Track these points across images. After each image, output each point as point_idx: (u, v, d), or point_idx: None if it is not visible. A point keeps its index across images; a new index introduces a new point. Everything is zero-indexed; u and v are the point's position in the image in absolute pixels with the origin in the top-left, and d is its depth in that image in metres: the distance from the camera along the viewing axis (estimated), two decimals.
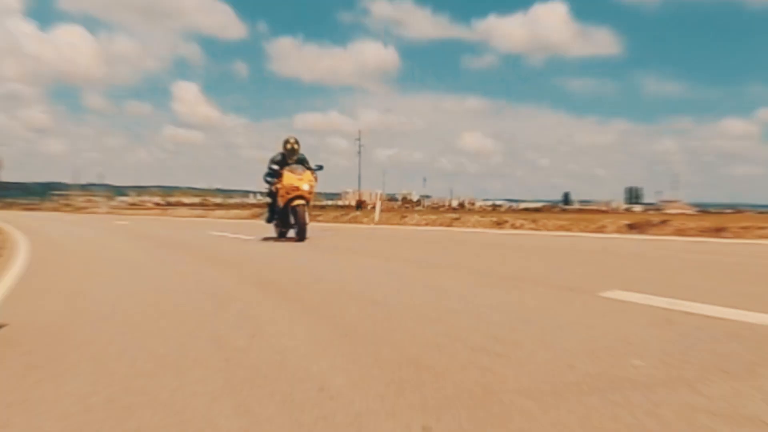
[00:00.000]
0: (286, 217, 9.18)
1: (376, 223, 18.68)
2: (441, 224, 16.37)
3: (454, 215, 19.97)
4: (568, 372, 2.04)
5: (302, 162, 9.48)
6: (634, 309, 3.28)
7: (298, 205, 8.67)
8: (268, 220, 9.77)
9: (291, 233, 9.84)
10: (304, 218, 8.63)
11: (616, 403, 1.65)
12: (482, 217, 17.82)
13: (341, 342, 2.67)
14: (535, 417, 1.57)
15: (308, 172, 9.00)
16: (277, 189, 8.99)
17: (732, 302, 3.24)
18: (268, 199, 9.52)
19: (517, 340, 2.58)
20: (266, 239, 10.57)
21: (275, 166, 9.28)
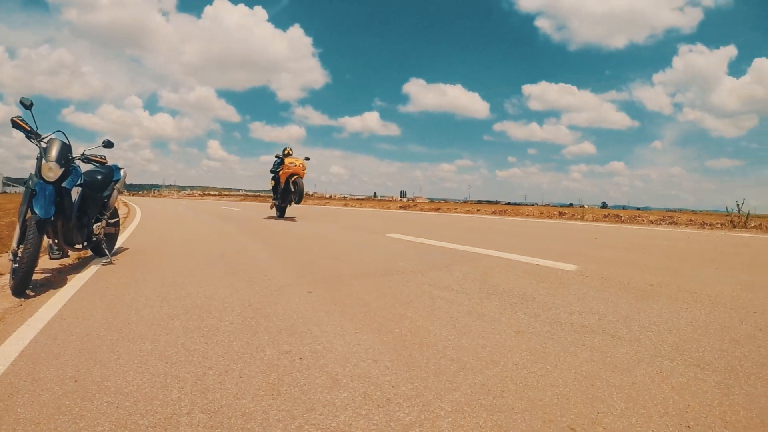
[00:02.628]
0: (286, 192, 12.86)
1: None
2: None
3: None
4: (370, 267, 4.51)
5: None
6: (401, 241, 7.08)
7: (296, 178, 12.44)
8: (275, 199, 13.49)
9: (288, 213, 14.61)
10: (301, 185, 12.47)
11: (391, 279, 3.89)
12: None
13: (279, 254, 5.39)
14: (357, 285, 3.66)
15: (301, 159, 12.86)
16: (280, 175, 12.75)
17: (444, 239, 7.18)
18: (273, 183, 13.43)
19: (350, 253, 5.62)
20: (251, 211, 15.92)
21: (278, 161, 13.30)
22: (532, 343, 2.27)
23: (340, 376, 1.85)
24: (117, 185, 4.89)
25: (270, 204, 14.17)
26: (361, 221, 12.28)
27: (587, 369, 1.95)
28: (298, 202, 12.98)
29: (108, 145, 4.60)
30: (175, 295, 3.24)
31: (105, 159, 4.50)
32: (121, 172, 5.00)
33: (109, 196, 4.78)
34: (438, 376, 1.86)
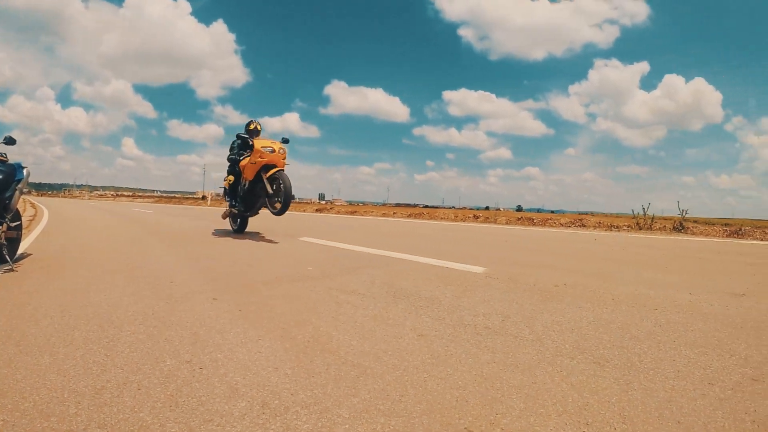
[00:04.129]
0: (253, 195, 8.45)
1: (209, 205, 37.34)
2: None
3: None
4: (279, 272, 4.45)
5: None
6: (313, 245, 7.16)
7: (276, 172, 7.85)
8: (232, 205, 9.00)
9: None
10: (288, 184, 7.64)
11: (299, 284, 3.83)
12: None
13: (187, 260, 5.21)
14: (264, 291, 3.59)
15: (278, 142, 8.32)
16: (243, 167, 8.46)
17: (356, 243, 7.38)
18: (230, 179, 8.90)
19: (259, 258, 5.50)
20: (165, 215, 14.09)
21: (238, 143, 8.96)
22: (435, 346, 2.28)
23: (239, 385, 1.82)
24: (19, 185, 4.58)
25: (223, 212, 9.47)
26: (273, 224, 11.92)
27: (488, 370, 1.97)
28: (281, 212, 7.81)
29: (9, 141, 4.34)
30: (77, 305, 3.06)
31: (5, 157, 4.24)
32: (24, 171, 4.69)
33: (10, 197, 4.48)
34: (338, 382, 1.84)
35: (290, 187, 7.59)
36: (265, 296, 3.39)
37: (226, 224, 10.06)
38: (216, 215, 15.77)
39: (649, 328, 2.65)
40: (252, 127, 8.83)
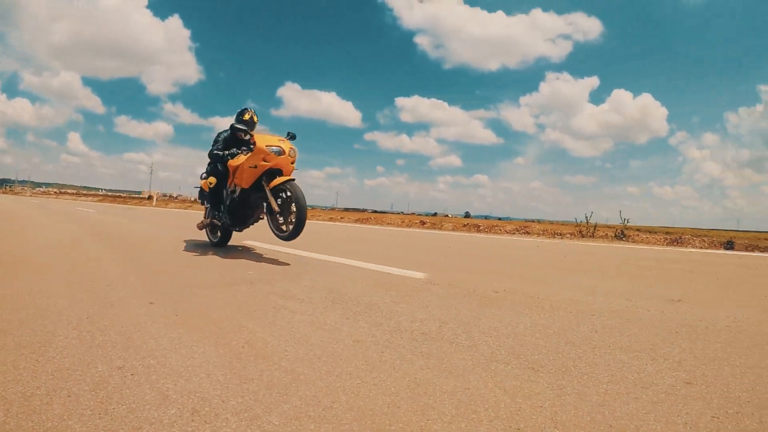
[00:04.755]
0: (243, 209, 6.53)
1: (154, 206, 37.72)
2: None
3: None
4: (220, 276, 4.36)
5: None
6: (256, 249, 6.97)
7: (285, 182, 5.84)
8: (214, 215, 6.91)
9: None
10: (302, 200, 5.68)
11: (238, 289, 3.76)
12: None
13: (127, 262, 5.01)
14: (202, 295, 3.49)
15: (285, 139, 6.33)
16: (234, 167, 6.48)
17: (300, 247, 7.12)
18: (212, 181, 6.76)
19: (200, 261, 5.43)
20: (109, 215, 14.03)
21: (226, 135, 6.98)
22: (370, 352, 2.27)
23: (170, 392, 1.78)
24: None
25: (200, 222, 7.21)
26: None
27: (421, 376, 1.96)
28: (292, 237, 5.79)
29: None
30: (9, 308, 2.94)
31: None
32: None
33: None
34: (270, 389, 1.82)
35: (305, 204, 5.67)
36: (203, 300, 3.34)
37: (195, 233, 8.81)
38: (161, 216, 15.42)
39: (585, 334, 2.71)
40: (247, 117, 6.83)
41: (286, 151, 5.99)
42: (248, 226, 6.80)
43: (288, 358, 2.17)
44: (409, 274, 4.63)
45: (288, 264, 5.30)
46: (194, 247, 6.95)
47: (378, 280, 4.33)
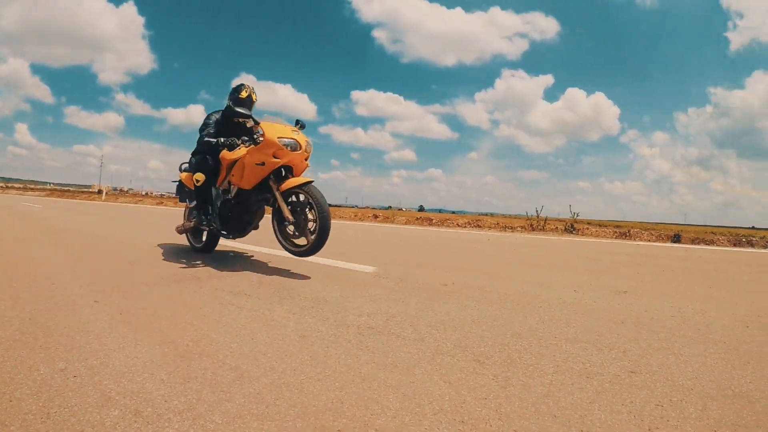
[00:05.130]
0: (241, 213, 5.22)
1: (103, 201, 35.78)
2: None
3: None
4: (166, 272, 4.26)
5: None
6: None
7: (302, 185, 4.58)
8: (200, 218, 5.41)
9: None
10: (326, 206, 4.47)
11: (185, 285, 3.72)
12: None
13: (72, 259, 4.89)
14: (148, 292, 3.44)
15: (297, 129, 5.10)
16: (227, 163, 5.19)
17: (250, 242, 6.82)
18: (199, 177, 5.30)
19: (147, 257, 5.23)
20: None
21: (217, 122, 5.55)
22: (315, 347, 2.26)
23: (113, 393, 1.75)
24: None
25: (180, 225, 5.92)
26: (167, 222, 11.48)
27: (366, 371, 1.96)
28: (311, 252, 4.53)
29: None
30: None
31: None
32: None
33: None
34: (213, 387, 1.80)
35: (328, 213, 4.43)
36: (149, 298, 3.30)
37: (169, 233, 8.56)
38: (114, 210, 14.88)
39: (531, 325, 2.76)
40: (244, 94, 5.44)
41: (303, 145, 4.81)
42: (246, 235, 5.47)
43: (233, 355, 2.16)
44: (359, 268, 4.63)
45: (237, 259, 5.22)
46: (142, 242, 6.83)
47: (327, 274, 4.33)
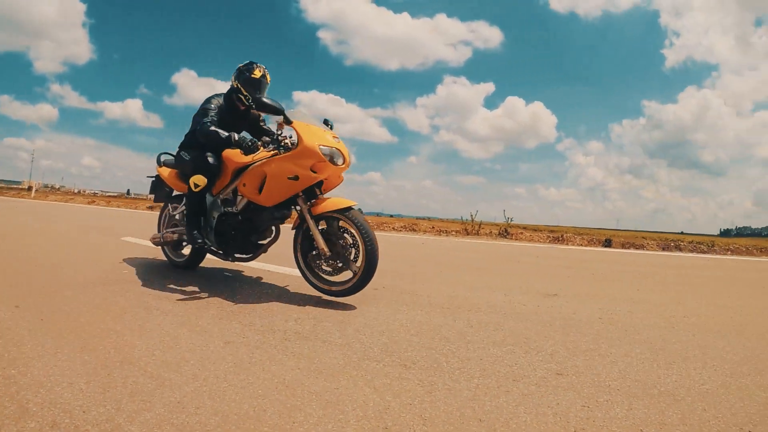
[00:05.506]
0: (249, 231, 4.12)
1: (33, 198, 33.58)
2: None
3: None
4: (92, 275, 4.11)
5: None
6: (134, 246, 6.55)
7: (346, 212, 3.60)
8: (193, 238, 4.06)
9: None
10: (374, 238, 3.51)
11: (110, 289, 3.57)
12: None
13: None
14: (71, 297, 3.26)
15: (333, 133, 4.01)
16: (236, 167, 4.00)
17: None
18: (198, 180, 4.07)
19: (73, 259, 5.05)
20: None
21: (221, 107, 4.34)
22: (240, 353, 2.23)
23: (30, 404, 1.69)
24: None
25: (156, 236, 4.70)
26: (97, 222, 11.15)
27: (291, 377, 1.95)
28: (359, 288, 3.42)
29: None
30: None
31: None
32: None
33: None
34: (133, 396, 1.76)
35: (377, 245, 3.49)
36: (72, 302, 3.16)
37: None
38: (42, 210, 14.22)
39: (460, 329, 2.81)
40: (258, 74, 4.25)
41: (346, 158, 3.79)
42: (253, 259, 4.24)
43: (155, 363, 2.11)
44: (289, 271, 4.56)
45: (164, 262, 5.04)
46: (65, 243, 6.57)
47: (257, 278, 4.28)
